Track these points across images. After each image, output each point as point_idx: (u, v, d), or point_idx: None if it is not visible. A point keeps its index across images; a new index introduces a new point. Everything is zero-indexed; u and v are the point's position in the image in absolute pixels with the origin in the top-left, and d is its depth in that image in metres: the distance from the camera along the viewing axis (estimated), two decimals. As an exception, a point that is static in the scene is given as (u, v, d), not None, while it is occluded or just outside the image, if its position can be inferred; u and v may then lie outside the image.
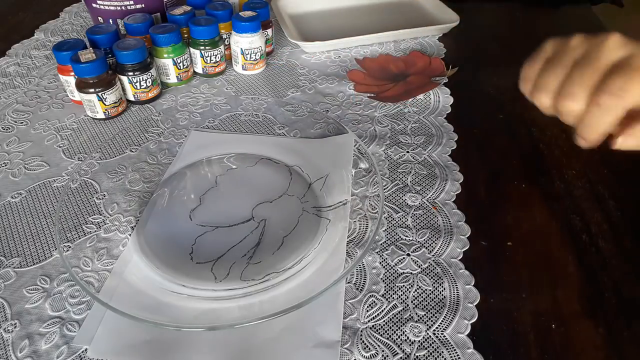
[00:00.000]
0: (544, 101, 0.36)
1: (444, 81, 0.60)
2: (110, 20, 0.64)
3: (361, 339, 0.34)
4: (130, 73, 0.55)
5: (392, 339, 0.33)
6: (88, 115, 0.56)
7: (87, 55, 0.52)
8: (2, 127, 0.55)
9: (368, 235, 0.39)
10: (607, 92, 0.31)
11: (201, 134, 0.53)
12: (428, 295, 0.36)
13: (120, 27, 0.64)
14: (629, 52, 0.32)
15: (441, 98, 0.57)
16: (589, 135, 0.34)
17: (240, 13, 0.61)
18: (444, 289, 0.36)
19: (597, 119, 0.32)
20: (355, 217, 0.42)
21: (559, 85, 0.35)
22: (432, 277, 0.37)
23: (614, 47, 0.32)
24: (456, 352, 0.32)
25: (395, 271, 0.38)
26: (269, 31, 0.66)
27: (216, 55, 0.61)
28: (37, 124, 0.56)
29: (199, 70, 0.63)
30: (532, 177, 0.46)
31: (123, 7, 0.63)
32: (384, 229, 0.41)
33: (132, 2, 0.63)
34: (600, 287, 0.37)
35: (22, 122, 0.56)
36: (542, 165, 0.48)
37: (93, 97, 0.53)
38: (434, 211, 0.43)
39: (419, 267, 0.38)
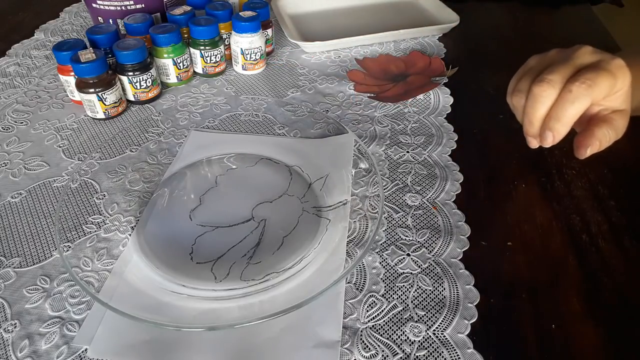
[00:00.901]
0: (520, 102, 0.39)
1: (444, 81, 0.60)
2: (110, 20, 0.64)
3: (361, 339, 0.34)
4: (130, 73, 0.55)
5: (392, 339, 0.33)
6: (88, 115, 0.56)
7: (87, 55, 0.52)
8: (2, 127, 0.55)
9: (368, 235, 0.39)
10: (579, 80, 0.35)
11: (201, 134, 0.53)
12: (428, 295, 0.36)
13: (120, 27, 0.64)
14: (598, 58, 0.36)
15: (441, 98, 0.57)
16: (555, 125, 0.37)
17: (240, 13, 0.61)
18: (444, 289, 0.36)
19: (566, 107, 0.36)
20: (355, 217, 0.42)
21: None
22: (432, 277, 0.37)
23: (586, 53, 0.37)
24: (456, 352, 0.32)
25: (395, 271, 0.38)
26: (269, 31, 0.66)
27: (216, 55, 0.61)
28: (37, 124, 0.56)
29: (199, 70, 0.63)
30: (532, 177, 0.46)
31: (123, 7, 0.63)
32: (384, 229, 0.41)
33: (132, 2, 0.63)
34: (600, 287, 0.37)
35: (22, 122, 0.56)
36: (542, 165, 0.48)
37: (93, 97, 0.53)
38: (434, 211, 0.43)
39: (419, 267, 0.38)
